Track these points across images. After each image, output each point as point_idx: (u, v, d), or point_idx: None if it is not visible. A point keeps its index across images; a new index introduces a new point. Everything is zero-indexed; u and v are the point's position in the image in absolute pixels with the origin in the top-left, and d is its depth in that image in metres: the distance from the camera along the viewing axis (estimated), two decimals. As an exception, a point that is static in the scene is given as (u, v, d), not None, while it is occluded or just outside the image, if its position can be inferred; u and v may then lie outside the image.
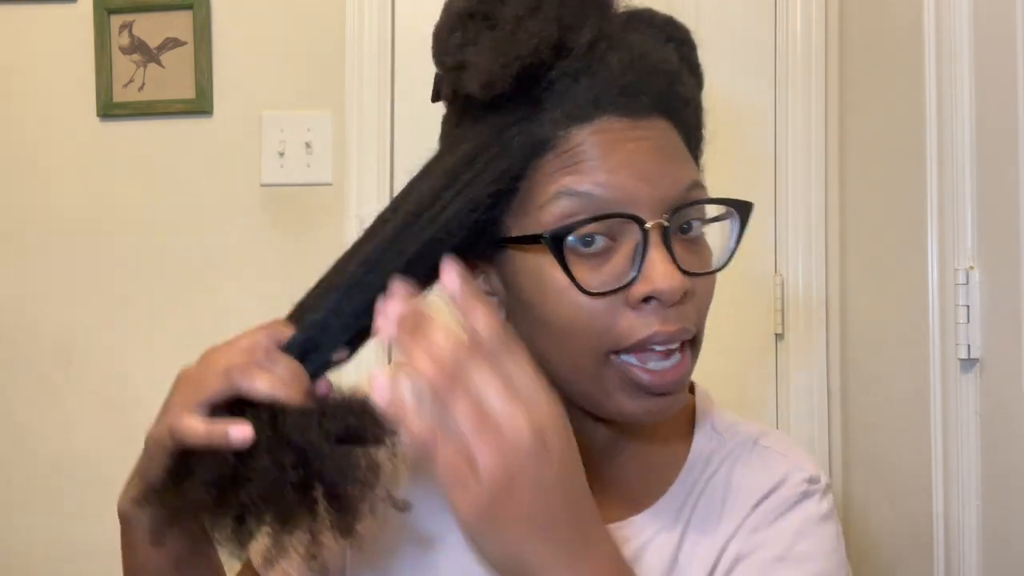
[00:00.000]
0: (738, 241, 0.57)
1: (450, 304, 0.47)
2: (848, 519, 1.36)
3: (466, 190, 0.53)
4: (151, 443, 0.54)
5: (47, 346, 1.55)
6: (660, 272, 0.51)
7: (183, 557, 0.57)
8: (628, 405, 0.55)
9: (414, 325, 0.45)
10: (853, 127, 1.36)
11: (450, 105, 0.59)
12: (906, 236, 1.10)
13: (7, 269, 1.56)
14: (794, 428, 1.40)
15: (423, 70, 0.62)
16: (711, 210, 0.58)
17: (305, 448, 0.50)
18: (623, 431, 0.62)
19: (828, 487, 0.62)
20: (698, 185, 0.56)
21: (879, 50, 1.26)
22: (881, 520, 1.23)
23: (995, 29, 0.93)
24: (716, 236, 0.59)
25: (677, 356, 0.54)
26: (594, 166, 0.52)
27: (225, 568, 0.63)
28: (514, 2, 0.53)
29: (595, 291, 0.52)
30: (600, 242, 0.52)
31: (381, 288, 0.51)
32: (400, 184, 0.59)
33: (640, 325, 0.52)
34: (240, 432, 0.49)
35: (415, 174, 0.58)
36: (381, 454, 0.52)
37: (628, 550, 0.59)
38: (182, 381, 0.54)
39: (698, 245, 0.57)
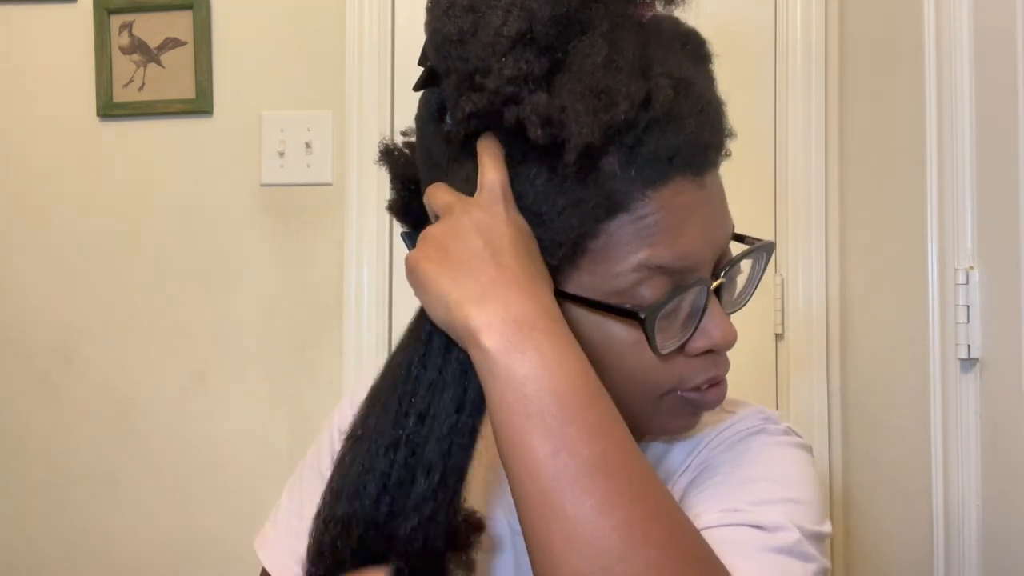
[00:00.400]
0: (761, 276, 0.61)
1: None
2: (848, 519, 1.36)
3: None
4: None
5: (47, 346, 1.55)
6: (718, 327, 0.55)
7: None
8: (672, 425, 0.59)
9: None
10: (853, 127, 1.36)
11: (471, 119, 0.53)
12: (906, 236, 1.10)
13: (7, 269, 1.56)
14: (794, 428, 1.40)
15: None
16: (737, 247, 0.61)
17: None
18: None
19: (790, 430, 0.65)
20: (734, 230, 0.59)
21: (879, 50, 1.26)
22: (881, 520, 1.23)
23: (995, 29, 0.93)
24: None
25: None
26: (671, 238, 0.52)
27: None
28: (585, 45, 0.51)
29: (665, 351, 0.54)
30: (671, 305, 0.53)
31: None
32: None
33: (698, 372, 0.56)
34: None
35: None
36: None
37: None
38: None
39: (734, 284, 0.60)
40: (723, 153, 0.58)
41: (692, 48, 0.57)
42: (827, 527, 0.56)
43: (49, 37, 1.56)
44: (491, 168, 0.52)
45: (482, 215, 0.51)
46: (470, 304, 0.48)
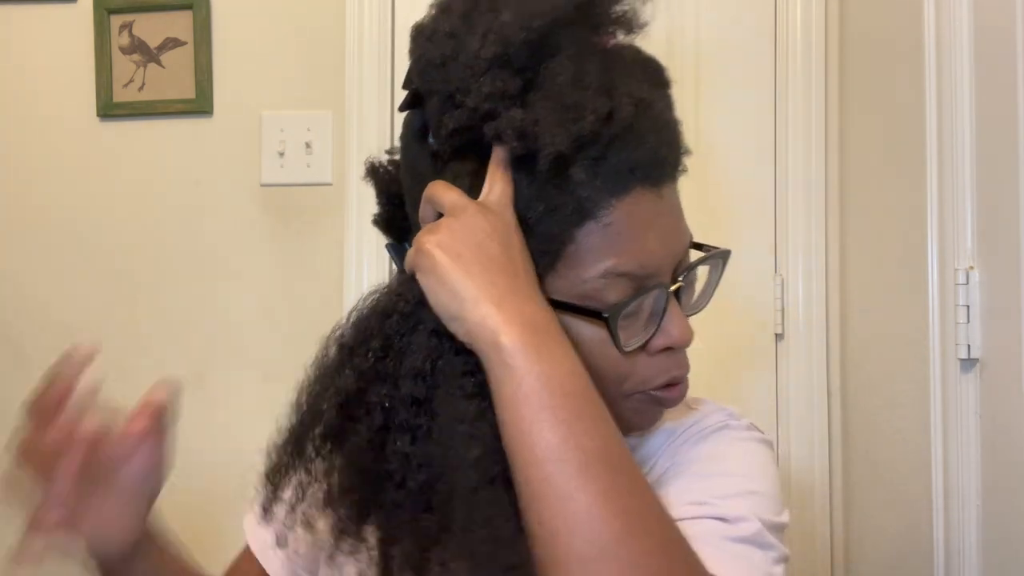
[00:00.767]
0: (718, 282, 0.66)
1: None
2: (848, 519, 1.36)
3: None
4: None
5: (47, 346, 1.55)
6: (677, 327, 0.60)
7: None
8: (638, 421, 0.63)
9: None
10: (853, 127, 1.36)
11: (455, 136, 0.58)
12: (906, 236, 1.10)
13: (7, 269, 1.56)
14: (794, 428, 1.40)
15: (423, 70, 0.62)
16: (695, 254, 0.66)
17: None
18: None
19: (752, 426, 0.68)
20: (692, 240, 0.63)
21: (879, 50, 1.26)
22: (881, 520, 1.23)
23: (995, 29, 0.93)
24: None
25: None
26: (634, 246, 0.58)
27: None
28: (555, 66, 0.56)
29: (628, 349, 0.58)
30: (632, 306, 0.58)
31: None
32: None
33: (659, 371, 0.61)
34: None
35: None
36: None
37: None
38: None
39: (692, 288, 0.65)
40: (680, 169, 0.62)
41: (652, 73, 0.62)
42: (785, 517, 0.61)
43: (49, 37, 1.55)
44: (500, 178, 0.57)
45: (497, 221, 0.56)
46: (488, 304, 0.53)
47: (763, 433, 0.69)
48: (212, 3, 1.51)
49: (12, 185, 1.56)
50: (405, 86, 0.62)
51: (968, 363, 0.98)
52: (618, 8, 0.60)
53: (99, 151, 1.54)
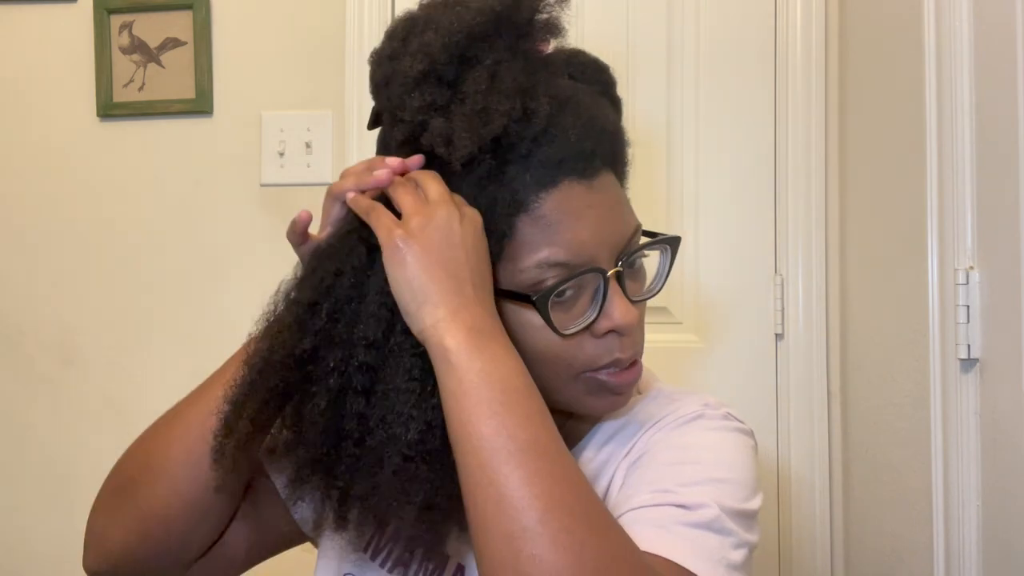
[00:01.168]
0: (670, 268, 0.69)
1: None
2: (848, 519, 1.36)
3: None
4: None
5: (47, 346, 1.55)
6: (619, 310, 0.63)
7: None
8: (594, 404, 0.67)
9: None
10: (853, 127, 1.36)
11: (403, 147, 0.65)
12: (906, 236, 1.10)
13: (7, 269, 1.56)
14: (794, 428, 1.40)
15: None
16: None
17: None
18: (584, 418, 0.73)
19: (729, 416, 0.70)
20: (639, 228, 0.66)
21: (879, 50, 1.26)
22: (881, 520, 1.23)
23: (995, 29, 0.93)
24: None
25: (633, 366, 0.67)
26: (565, 237, 0.61)
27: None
28: (473, 75, 0.61)
29: (568, 332, 0.62)
30: (570, 292, 0.63)
31: None
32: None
33: (603, 353, 0.64)
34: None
35: None
36: None
37: None
38: None
39: (640, 273, 0.68)
40: (617, 161, 0.66)
41: (588, 73, 0.68)
42: (754, 504, 0.63)
43: (49, 37, 1.56)
44: (436, 186, 0.62)
45: (469, 226, 0.60)
46: (444, 309, 0.58)
47: (742, 423, 0.70)
48: (212, 3, 1.51)
49: (12, 185, 1.57)
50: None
51: (968, 363, 0.98)
52: (539, 16, 0.64)
53: (99, 151, 1.54)
